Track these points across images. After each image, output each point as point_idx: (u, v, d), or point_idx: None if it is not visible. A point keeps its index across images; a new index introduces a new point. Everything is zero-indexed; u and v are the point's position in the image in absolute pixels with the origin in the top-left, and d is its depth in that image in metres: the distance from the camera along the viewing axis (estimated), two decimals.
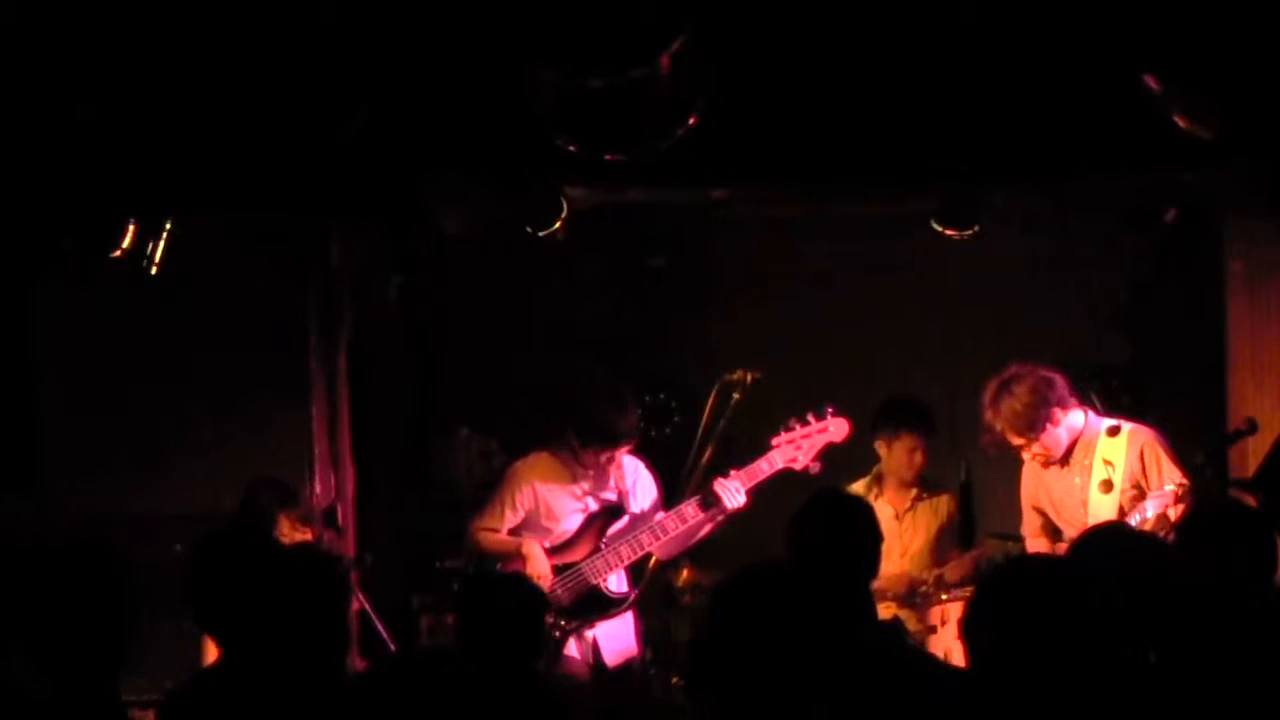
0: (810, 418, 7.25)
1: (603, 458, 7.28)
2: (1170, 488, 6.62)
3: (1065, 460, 7.02)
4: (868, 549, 4.97)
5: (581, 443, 7.26)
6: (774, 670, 3.52)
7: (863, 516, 5.06)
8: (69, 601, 3.19)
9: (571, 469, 7.39)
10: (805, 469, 7.21)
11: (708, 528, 7.25)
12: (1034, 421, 6.92)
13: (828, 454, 7.29)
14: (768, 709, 3.51)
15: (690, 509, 7.17)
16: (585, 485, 7.37)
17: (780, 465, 7.20)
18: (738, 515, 7.19)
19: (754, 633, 3.57)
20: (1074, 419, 7.00)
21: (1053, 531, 7.16)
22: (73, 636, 3.17)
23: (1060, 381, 6.97)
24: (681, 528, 7.19)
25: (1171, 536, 6.26)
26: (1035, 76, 6.46)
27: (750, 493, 7.16)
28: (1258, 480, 6.62)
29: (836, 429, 7.26)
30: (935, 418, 7.66)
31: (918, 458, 7.60)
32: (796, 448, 7.22)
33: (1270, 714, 4.24)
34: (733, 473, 7.18)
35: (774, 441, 7.25)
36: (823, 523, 4.96)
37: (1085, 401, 7.16)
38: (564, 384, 7.81)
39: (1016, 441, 7.00)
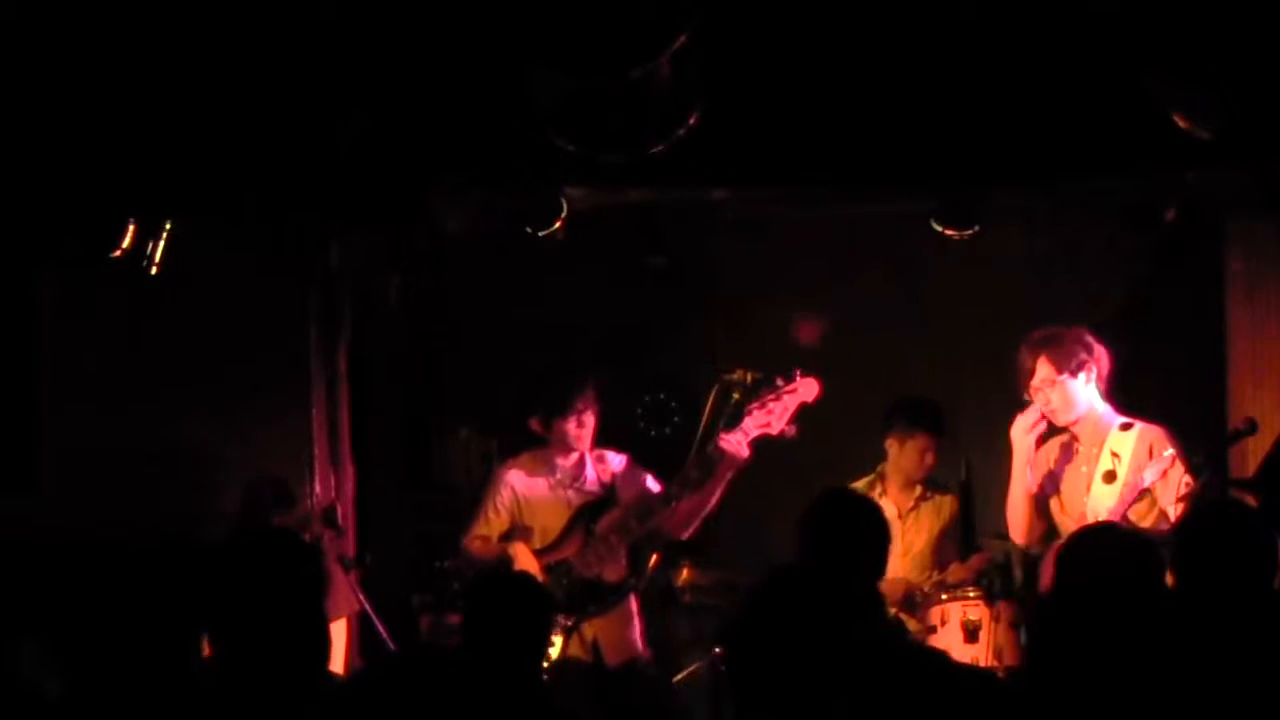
0: (778, 381, 7.20)
1: (570, 429, 7.28)
2: (1169, 452, 6.73)
3: (1071, 450, 7.04)
4: (876, 548, 4.96)
5: (544, 416, 7.32)
6: (800, 669, 3.53)
7: (873, 515, 5.05)
8: (78, 599, 3.19)
9: (549, 464, 7.42)
10: (781, 434, 7.19)
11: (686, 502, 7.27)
12: (1071, 354, 6.95)
13: (828, 451, 7.28)
14: (791, 708, 3.51)
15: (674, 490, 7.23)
16: (559, 476, 7.40)
17: (755, 433, 7.19)
18: (737, 513, 7.20)
19: (784, 632, 3.57)
20: (1097, 397, 7.03)
21: (1049, 533, 7.14)
22: (82, 634, 3.17)
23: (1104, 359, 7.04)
24: (666, 510, 7.24)
25: (1168, 528, 6.30)
26: (1035, 77, 6.47)
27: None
28: (1258, 480, 6.61)
29: (806, 389, 7.21)
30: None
31: (929, 459, 7.59)
32: (769, 413, 7.16)
33: (1271, 716, 4.24)
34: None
35: (746, 409, 7.24)
36: (832, 521, 4.96)
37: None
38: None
39: (1041, 372, 6.97)
